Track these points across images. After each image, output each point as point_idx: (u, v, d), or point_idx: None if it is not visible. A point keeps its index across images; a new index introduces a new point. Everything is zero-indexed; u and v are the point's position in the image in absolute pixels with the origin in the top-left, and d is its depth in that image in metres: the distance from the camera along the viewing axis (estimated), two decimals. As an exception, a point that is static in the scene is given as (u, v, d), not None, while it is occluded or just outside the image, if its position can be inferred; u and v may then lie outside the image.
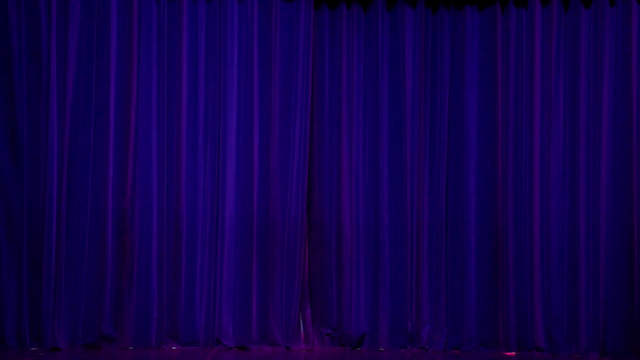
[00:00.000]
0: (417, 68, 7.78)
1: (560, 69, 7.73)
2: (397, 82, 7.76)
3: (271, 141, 7.62)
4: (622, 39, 7.65)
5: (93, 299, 7.32)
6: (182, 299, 7.44)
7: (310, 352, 7.46)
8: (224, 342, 7.46)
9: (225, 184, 7.57)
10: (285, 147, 7.64)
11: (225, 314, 7.49)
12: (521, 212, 7.66)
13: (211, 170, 7.59)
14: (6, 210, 7.23)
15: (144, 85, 7.54)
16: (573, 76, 7.70)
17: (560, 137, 7.68)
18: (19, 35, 7.31)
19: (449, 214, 7.73)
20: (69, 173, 7.34)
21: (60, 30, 7.37)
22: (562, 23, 7.76)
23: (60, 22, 7.38)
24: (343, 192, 7.67)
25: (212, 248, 7.53)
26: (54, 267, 7.20)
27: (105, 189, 7.38)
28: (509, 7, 7.79)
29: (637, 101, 7.56)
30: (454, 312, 7.66)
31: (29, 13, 7.33)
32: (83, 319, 7.30)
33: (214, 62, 7.64)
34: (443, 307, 7.65)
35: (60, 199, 7.27)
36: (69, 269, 7.28)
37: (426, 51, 7.80)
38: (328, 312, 7.63)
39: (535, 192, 7.63)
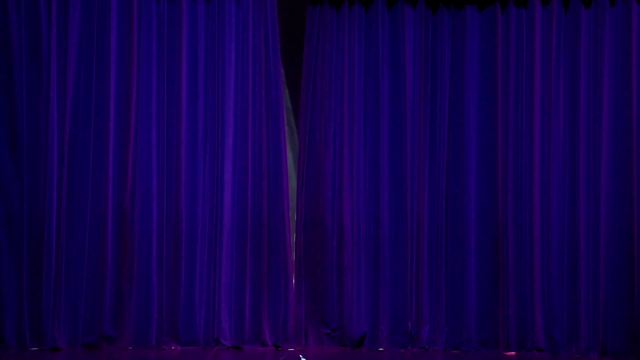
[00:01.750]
0: (417, 68, 7.78)
1: (560, 69, 7.72)
2: (397, 81, 7.76)
3: (263, 142, 7.62)
4: (622, 39, 7.64)
5: (93, 299, 7.31)
6: (182, 299, 7.43)
7: (303, 351, 7.45)
8: (223, 342, 7.46)
9: (223, 183, 7.57)
10: (276, 147, 7.64)
11: (223, 314, 7.49)
12: (521, 212, 7.66)
13: (210, 170, 7.58)
14: (6, 210, 7.23)
15: (144, 85, 7.54)
16: (573, 76, 7.70)
17: (560, 137, 7.68)
18: (19, 35, 7.31)
19: (449, 214, 7.73)
20: (69, 173, 7.34)
21: (60, 30, 7.37)
22: (562, 23, 7.75)
23: (60, 22, 7.38)
24: (344, 192, 7.67)
25: (212, 247, 7.53)
26: (54, 267, 7.19)
27: (105, 189, 7.37)
28: (509, 7, 7.78)
29: (637, 101, 7.55)
30: (454, 312, 7.65)
31: (29, 13, 7.32)
32: (83, 319, 7.29)
33: (213, 62, 7.64)
34: (443, 307, 7.65)
35: (60, 199, 7.27)
36: (69, 269, 7.27)
37: (426, 51, 7.80)
38: (328, 312, 7.62)
39: (535, 192, 7.62)
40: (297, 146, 8.03)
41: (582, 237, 7.54)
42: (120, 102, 7.48)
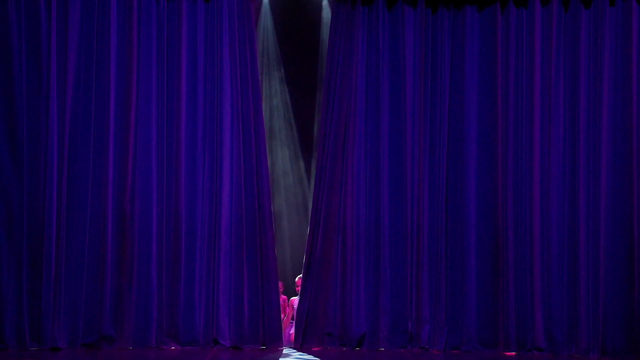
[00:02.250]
0: (417, 68, 7.79)
1: (560, 69, 7.73)
2: (398, 81, 7.76)
3: (252, 143, 7.62)
4: (622, 39, 7.65)
5: (93, 299, 7.31)
6: (181, 299, 7.43)
7: (301, 350, 7.45)
8: (221, 341, 7.45)
9: (222, 184, 7.57)
10: (258, 148, 7.64)
11: (222, 314, 7.48)
12: (521, 213, 7.66)
13: (209, 170, 7.59)
14: (6, 210, 7.23)
15: (144, 85, 7.55)
16: (573, 76, 7.70)
17: (560, 137, 7.68)
18: (19, 35, 7.31)
19: (449, 214, 7.73)
20: (69, 173, 7.34)
21: (60, 30, 7.38)
22: (562, 23, 7.76)
23: (60, 22, 7.39)
24: (347, 194, 7.66)
25: (211, 247, 7.53)
26: (54, 267, 7.19)
27: (105, 189, 7.38)
28: (509, 7, 7.79)
29: (637, 101, 7.55)
30: (454, 312, 7.65)
31: (29, 13, 7.32)
32: (83, 319, 7.29)
33: (212, 62, 7.65)
34: (443, 307, 7.64)
35: (60, 199, 7.26)
36: (69, 269, 7.27)
37: (426, 51, 7.80)
38: (330, 312, 7.60)
39: (535, 193, 7.63)
40: (296, 143, 8.02)
41: (582, 237, 7.54)
42: (120, 102, 7.48)
